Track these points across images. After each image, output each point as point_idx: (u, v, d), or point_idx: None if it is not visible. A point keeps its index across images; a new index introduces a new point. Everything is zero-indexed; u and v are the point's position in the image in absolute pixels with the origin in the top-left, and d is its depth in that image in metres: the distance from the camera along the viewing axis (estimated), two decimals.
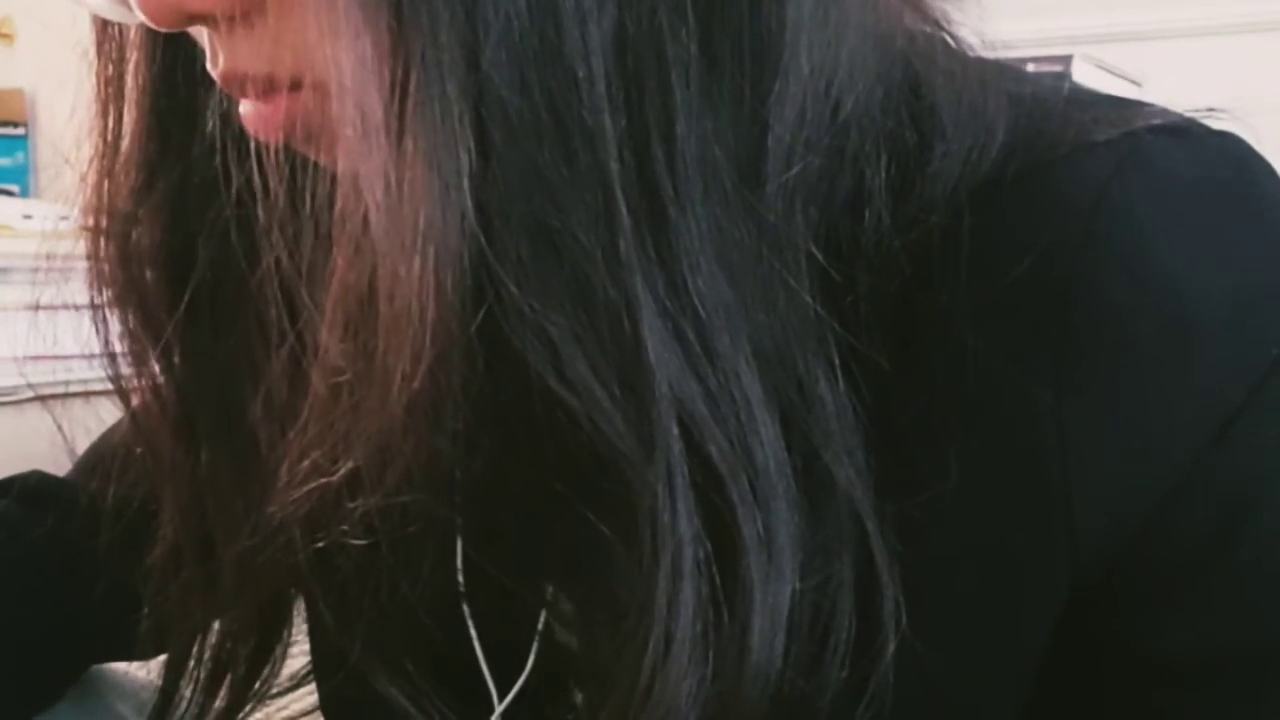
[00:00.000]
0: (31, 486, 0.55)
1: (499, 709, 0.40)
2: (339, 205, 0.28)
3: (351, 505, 0.30)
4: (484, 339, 0.29)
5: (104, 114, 0.40)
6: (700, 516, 0.31)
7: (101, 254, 0.41)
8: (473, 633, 0.39)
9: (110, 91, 0.40)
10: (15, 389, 1.11)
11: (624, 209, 0.29)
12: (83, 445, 0.79)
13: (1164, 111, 0.34)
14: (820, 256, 0.32)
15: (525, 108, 0.28)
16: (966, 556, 0.33)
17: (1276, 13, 1.27)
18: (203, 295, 0.40)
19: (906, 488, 0.32)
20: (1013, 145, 0.33)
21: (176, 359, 0.41)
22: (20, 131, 2.02)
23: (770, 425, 0.31)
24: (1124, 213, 0.32)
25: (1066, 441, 0.32)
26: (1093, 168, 0.32)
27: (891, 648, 0.32)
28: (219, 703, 0.45)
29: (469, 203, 0.28)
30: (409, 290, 0.28)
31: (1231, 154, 0.34)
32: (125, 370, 0.42)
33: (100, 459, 0.55)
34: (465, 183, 0.28)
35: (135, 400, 0.42)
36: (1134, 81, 1.23)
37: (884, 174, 0.33)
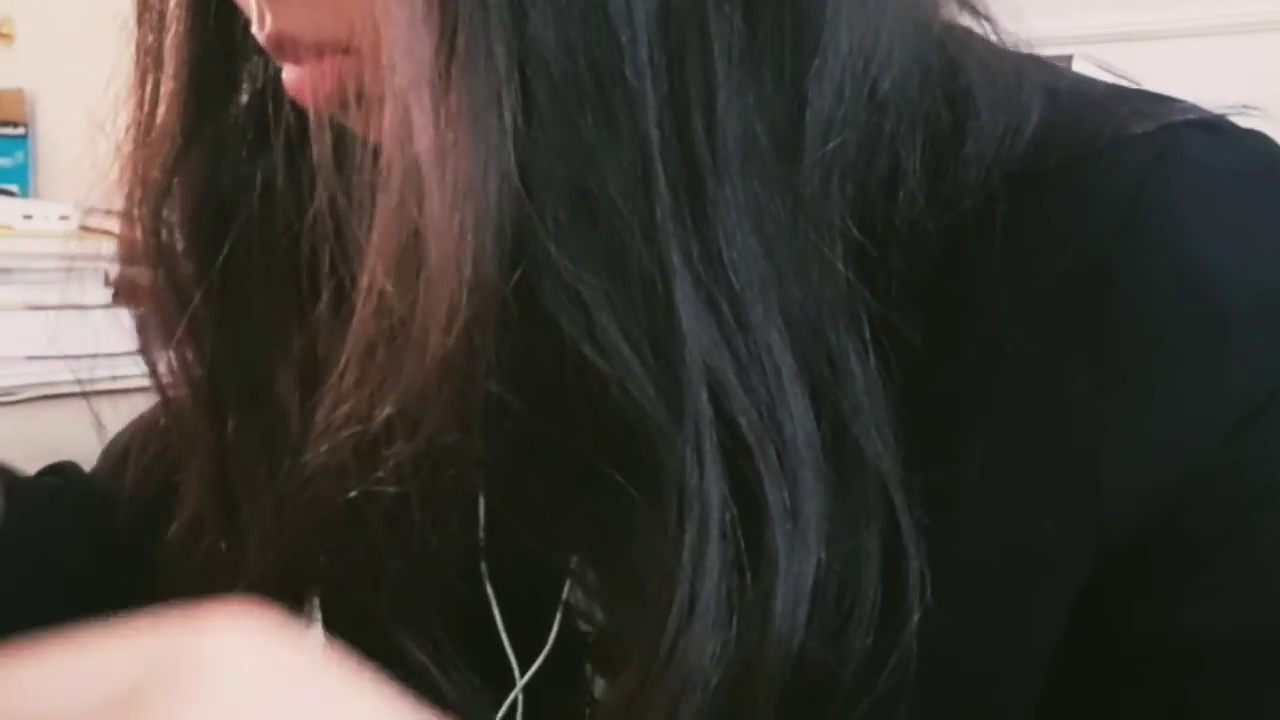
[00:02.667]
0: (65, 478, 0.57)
1: (520, 684, 0.40)
2: (384, 159, 0.29)
3: (385, 453, 0.30)
4: (519, 300, 0.30)
5: (141, 83, 0.41)
6: (727, 483, 0.31)
7: (133, 224, 0.41)
8: (492, 600, 0.39)
9: (149, 61, 0.40)
10: (15, 389, 1.11)
11: (662, 177, 0.30)
12: (82, 444, 0.79)
13: (1196, 107, 0.35)
14: (856, 232, 0.33)
15: (569, 70, 0.29)
16: (991, 534, 0.33)
17: (1276, 13, 1.27)
18: (232, 266, 0.40)
19: (933, 464, 0.32)
20: (1050, 135, 0.34)
21: (204, 329, 0.41)
22: (20, 131, 2.02)
23: (800, 397, 0.32)
24: (1163, 204, 0.33)
25: (1100, 427, 0.32)
26: (1132, 159, 0.33)
27: (915, 619, 0.32)
28: None
29: (510, 163, 0.28)
30: (448, 246, 0.28)
31: (1262, 150, 0.35)
32: (153, 339, 0.42)
33: (118, 454, 0.56)
34: (508, 143, 0.28)
35: (162, 369, 0.42)
36: (1134, 82, 1.22)
37: (919, 155, 0.34)
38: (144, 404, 1.24)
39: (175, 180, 0.41)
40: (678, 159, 0.30)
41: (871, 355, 0.33)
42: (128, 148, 0.42)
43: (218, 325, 0.41)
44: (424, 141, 0.29)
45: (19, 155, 2.01)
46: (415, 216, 0.29)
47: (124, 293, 0.42)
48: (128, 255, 0.42)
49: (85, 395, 1.17)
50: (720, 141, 0.30)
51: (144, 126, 0.41)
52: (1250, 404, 0.32)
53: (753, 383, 0.31)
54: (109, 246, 1.34)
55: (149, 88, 0.41)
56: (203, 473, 0.44)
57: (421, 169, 0.29)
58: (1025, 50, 0.38)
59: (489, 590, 0.40)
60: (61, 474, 0.57)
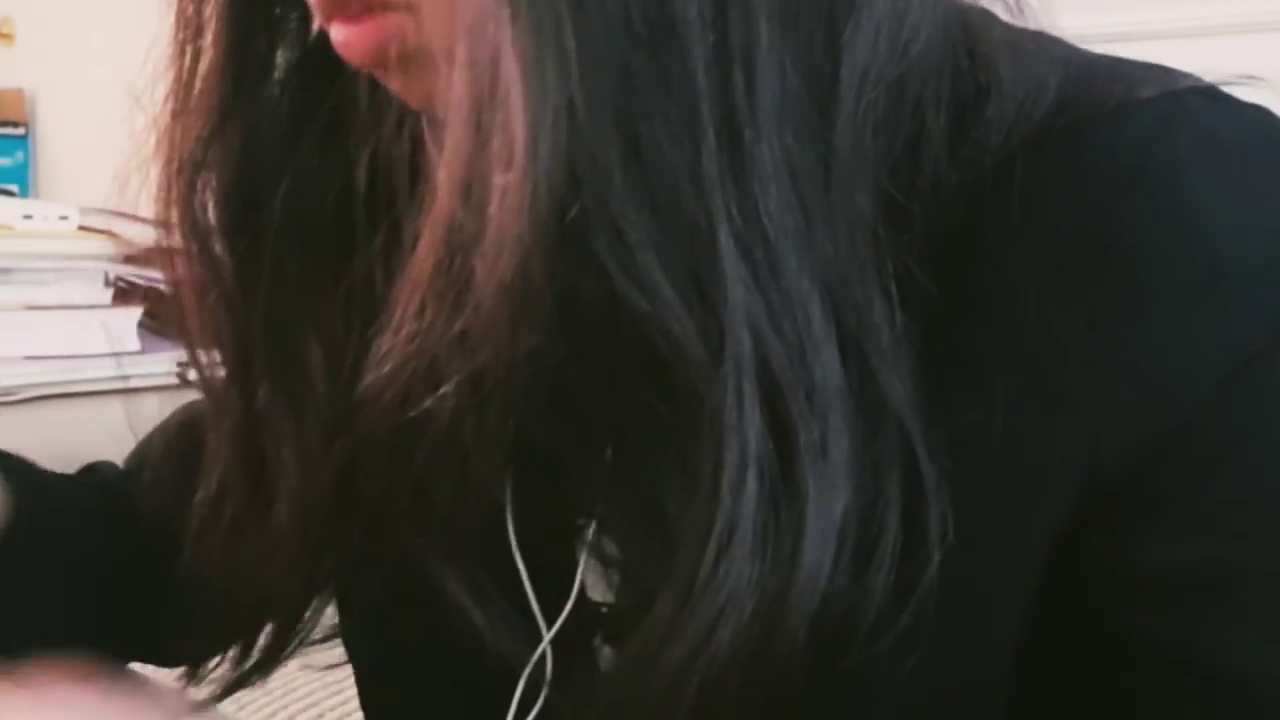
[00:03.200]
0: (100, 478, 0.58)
1: (547, 638, 0.41)
2: (454, 93, 0.31)
3: (440, 378, 0.32)
4: (569, 238, 0.31)
5: (180, 54, 0.41)
6: (764, 420, 0.32)
7: (169, 195, 0.42)
8: (515, 548, 0.41)
9: (189, 32, 0.41)
10: (14, 389, 1.11)
11: (710, 125, 0.31)
12: (82, 444, 0.79)
13: (1200, 78, 0.36)
14: (886, 187, 0.34)
15: (623, 16, 0.30)
16: (997, 472, 0.34)
17: (1277, 13, 1.27)
18: (264, 236, 0.42)
19: (950, 410, 0.34)
20: (1063, 99, 0.35)
21: (234, 298, 0.42)
22: (20, 131, 2.02)
23: (829, 345, 0.33)
24: (1167, 164, 0.34)
25: (1096, 371, 0.34)
26: (1139, 121, 0.35)
27: (936, 560, 0.33)
28: (257, 653, 0.46)
29: (564, 103, 0.30)
30: (511, 180, 0.30)
31: (1264, 121, 0.36)
32: (187, 306, 0.43)
33: (144, 457, 0.57)
34: (563, 84, 0.30)
35: (195, 331, 0.43)
36: None
37: (944, 117, 0.35)
38: (140, 405, 1.24)
39: (211, 151, 0.42)
40: (720, 110, 0.32)
41: (897, 307, 0.34)
42: (165, 119, 0.42)
43: (247, 294, 0.42)
44: (482, 79, 0.31)
45: (19, 155, 2.02)
46: (481, 152, 0.31)
47: (151, 258, 0.43)
48: (164, 225, 0.42)
49: (85, 395, 1.17)
50: (760, 96, 0.32)
51: (182, 98, 0.42)
52: (1240, 357, 0.34)
53: (784, 328, 0.32)
54: (109, 246, 1.34)
55: (188, 58, 0.41)
56: (231, 438, 0.44)
57: (479, 106, 0.31)
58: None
59: (512, 540, 0.41)
60: (96, 472, 0.59)
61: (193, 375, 0.45)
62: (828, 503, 0.33)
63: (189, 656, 0.56)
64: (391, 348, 0.33)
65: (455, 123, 0.31)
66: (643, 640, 0.34)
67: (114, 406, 1.27)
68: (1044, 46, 0.38)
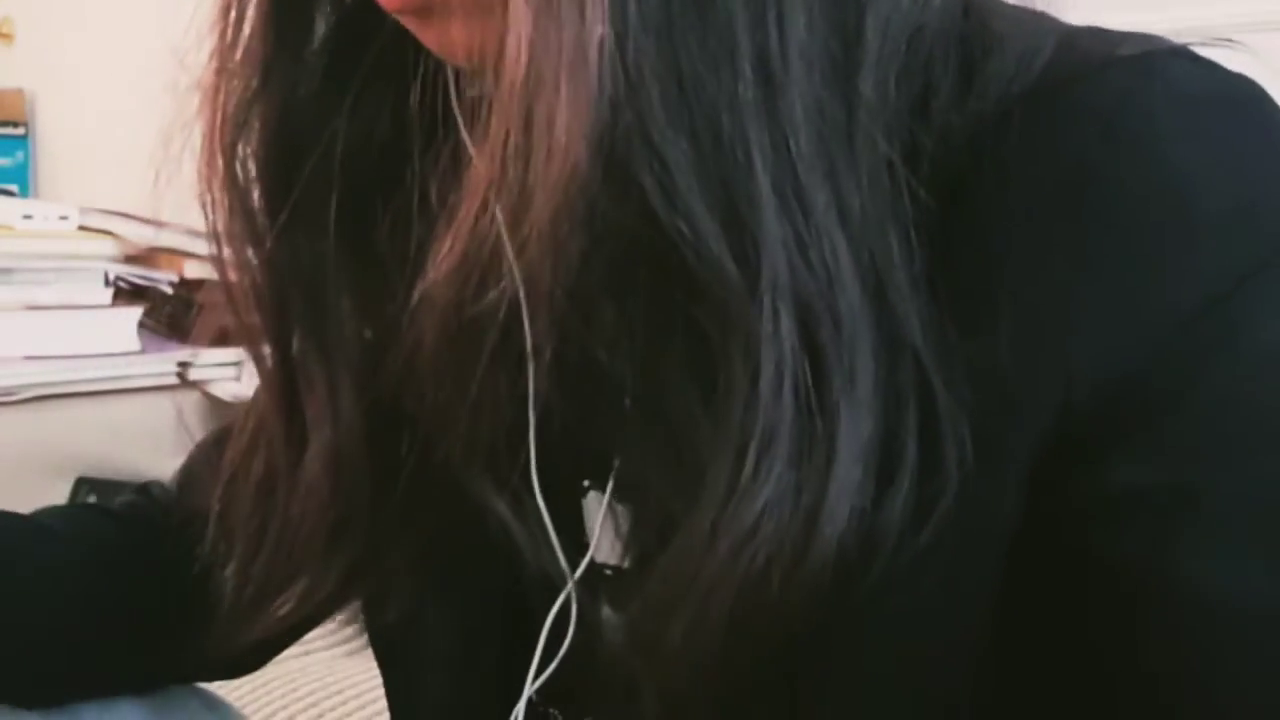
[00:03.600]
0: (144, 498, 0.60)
1: (571, 581, 0.43)
2: (511, 18, 0.33)
3: (490, 287, 0.35)
4: (614, 164, 0.33)
5: (224, 14, 0.43)
6: (798, 338, 0.34)
7: (211, 154, 0.44)
8: (538, 492, 0.42)
9: None
10: (15, 389, 1.11)
11: (747, 58, 0.34)
12: (81, 444, 0.79)
13: (1179, 43, 0.39)
14: (906, 133, 0.37)
15: None
16: (985, 402, 0.36)
17: (1277, 13, 1.27)
18: (302, 193, 0.44)
19: (957, 343, 0.36)
20: (1056, 59, 0.38)
21: (272, 250, 0.44)
22: (20, 131, 2.02)
23: (853, 279, 0.35)
24: (1143, 113, 0.36)
25: (1072, 304, 0.36)
26: (1118, 76, 0.37)
27: (953, 485, 0.35)
28: (279, 610, 0.47)
29: (610, 30, 0.33)
30: (560, 103, 0.32)
31: (1246, 84, 0.38)
32: (226, 258, 0.45)
33: (192, 474, 0.58)
34: (612, 11, 0.33)
35: (233, 285, 0.45)
36: None
37: (952, 72, 0.38)
38: (140, 405, 1.24)
39: (253, 110, 0.44)
40: (755, 50, 0.34)
41: (915, 248, 0.36)
42: (208, 79, 0.43)
43: (282, 247, 0.44)
44: (530, 16, 0.33)
45: (19, 155, 2.02)
46: (535, 74, 0.33)
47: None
48: (206, 182, 0.44)
49: (85, 395, 1.17)
50: (789, 41, 0.34)
51: (225, 57, 0.43)
52: (1208, 297, 0.35)
53: (813, 260, 0.34)
54: (108, 246, 1.33)
55: (231, 18, 0.43)
56: (268, 387, 0.47)
57: (528, 41, 0.33)
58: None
59: (535, 484, 0.42)
60: (146, 493, 0.60)
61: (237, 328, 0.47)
62: (857, 423, 0.35)
63: (202, 665, 0.58)
64: (450, 250, 0.35)
65: (511, 47, 0.33)
66: (688, 539, 0.35)
67: (114, 406, 1.27)
68: (1042, 18, 0.41)
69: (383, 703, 0.60)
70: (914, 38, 0.37)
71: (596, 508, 0.44)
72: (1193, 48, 0.39)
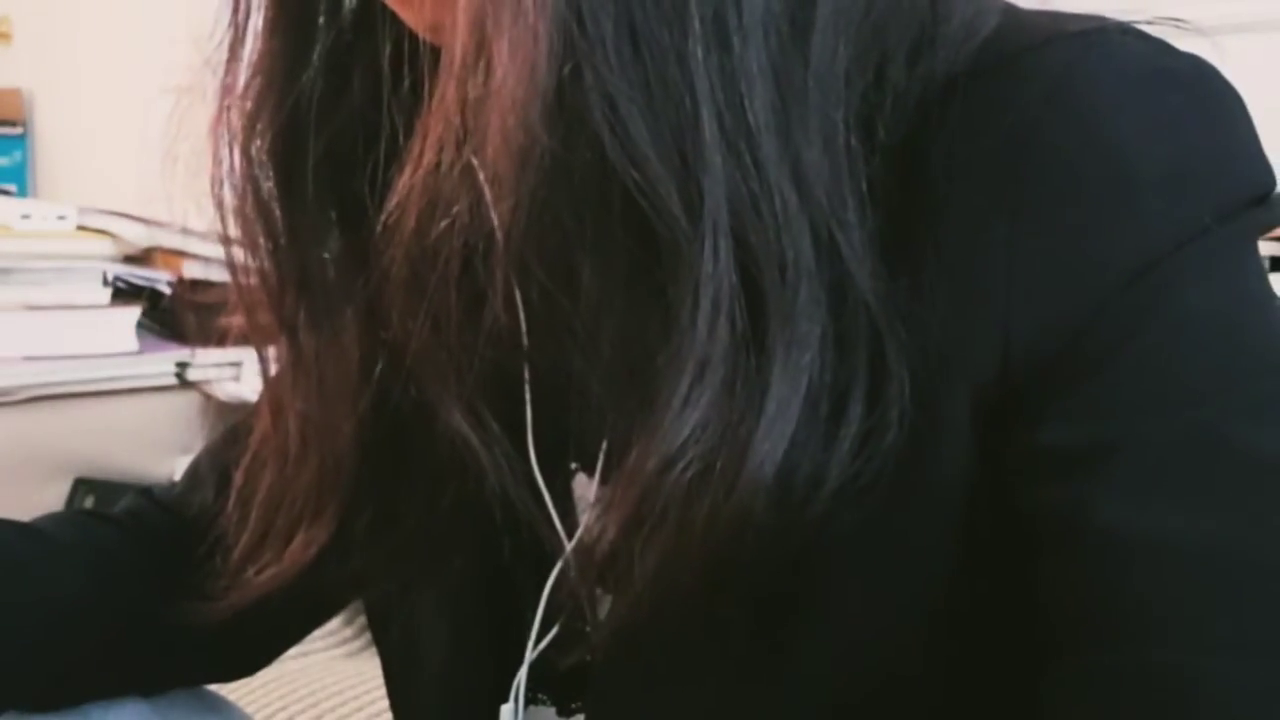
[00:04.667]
0: (147, 500, 0.61)
1: (568, 548, 0.44)
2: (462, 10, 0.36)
3: (450, 216, 0.37)
4: (568, 108, 0.36)
5: (235, 9, 0.45)
6: (739, 278, 0.37)
7: (225, 142, 0.46)
8: (535, 465, 0.44)
9: None
10: (13, 389, 1.11)
11: (696, 16, 0.36)
12: (80, 444, 0.79)
13: (1129, 22, 0.40)
14: (855, 99, 0.39)
15: None
16: (930, 355, 0.38)
17: (1277, 13, 1.27)
18: (309, 185, 0.46)
19: (900, 295, 0.38)
20: (1002, 34, 0.40)
21: (282, 240, 0.47)
22: (18, 131, 2.02)
23: (803, 232, 0.37)
24: (1087, 82, 0.38)
25: (1013, 262, 0.37)
26: (1064, 48, 0.39)
27: (897, 427, 0.38)
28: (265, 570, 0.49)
29: None
30: (512, 47, 0.35)
31: (1192, 61, 0.39)
32: (235, 250, 0.48)
33: (198, 476, 0.60)
34: None
35: (241, 274, 0.48)
36: None
37: (905, 40, 0.40)
38: (138, 405, 1.24)
39: (264, 98, 0.46)
40: (709, 9, 0.36)
41: (868, 207, 0.38)
42: (220, 72, 0.46)
43: (292, 236, 0.47)
44: None
45: (17, 155, 2.01)
46: (490, 18, 0.35)
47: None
48: (218, 173, 0.47)
49: (83, 395, 1.17)
50: (744, 5, 0.37)
51: (235, 48, 0.46)
52: (1144, 261, 0.37)
53: (763, 210, 0.37)
54: (107, 246, 1.33)
55: (241, 13, 0.46)
56: (276, 374, 0.50)
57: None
58: None
59: (533, 456, 0.45)
60: (148, 496, 0.61)
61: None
62: (794, 362, 0.37)
63: (205, 666, 0.59)
64: (411, 182, 0.37)
65: (464, 5, 0.36)
66: (630, 461, 0.38)
67: (112, 406, 1.27)
68: None
69: (382, 704, 0.60)
70: (865, 7, 0.39)
71: (583, 489, 0.46)
72: (1141, 27, 0.40)
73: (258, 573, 0.48)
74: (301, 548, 0.47)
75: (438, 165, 0.37)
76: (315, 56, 0.46)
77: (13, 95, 2.03)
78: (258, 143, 0.46)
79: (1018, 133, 0.38)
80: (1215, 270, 0.38)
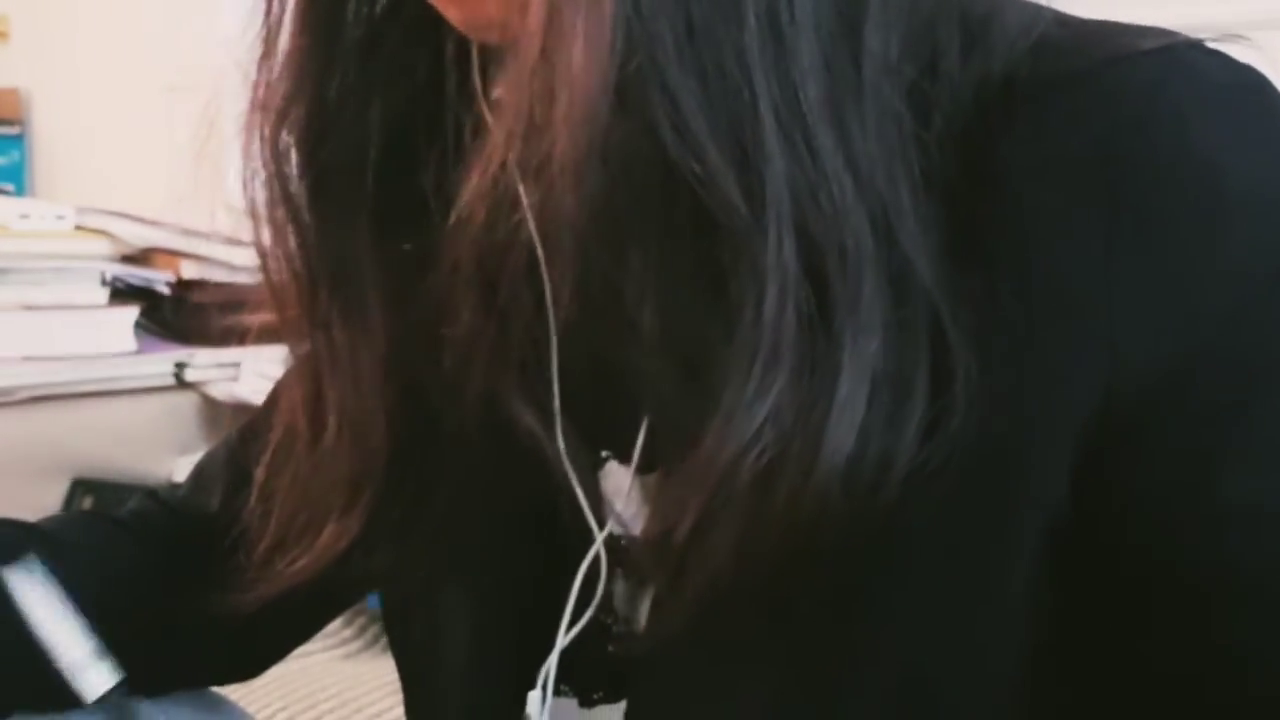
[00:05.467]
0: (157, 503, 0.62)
1: (601, 536, 0.45)
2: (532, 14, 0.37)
3: (518, 210, 0.38)
4: (630, 105, 0.37)
5: (268, 5, 0.46)
6: (802, 267, 0.37)
7: (254, 137, 0.47)
8: (565, 458, 0.45)
9: None
10: (12, 389, 1.10)
11: (751, 17, 0.37)
12: (79, 444, 0.79)
13: (1191, 37, 0.41)
14: (910, 85, 0.39)
15: None
16: (1009, 362, 0.38)
17: (1277, 13, 1.27)
18: (339, 185, 0.48)
19: (967, 293, 0.38)
20: (1066, 41, 0.40)
21: (310, 234, 0.48)
22: (16, 130, 2.02)
23: (860, 219, 0.38)
24: (1174, 105, 0.38)
25: (1113, 288, 0.37)
26: (1145, 68, 0.39)
27: (961, 412, 0.38)
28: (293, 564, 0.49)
29: None
30: (578, 59, 0.36)
31: (1255, 74, 0.40)
32: (264, 240, 0.49)
33: (204, 477, 0.61)
34: None
35: (269, 261, 0.49)
36: None
37: (956, 33, 0.40)
38: (136, 406, 1.24)
39: (294, 99, 0.47)
40: (764, 8, 0.37)
41: (922, 194, 0.39)
42: (251, 69, 0.47)
43: (319, 228, 0.48)
44: None
45: (15, 154, 2.01)
46: (556, 20, 0.37)
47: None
48: (248, 167, 0.48)
49: (82, 395, 1.16)
50: (797, 7, 0.38)
51: (267, 46, 0.47)
52: (1250, 285, 0.37)
53: (820, 199, 0.37)
54: (105, 246, 1.33)
55: (274, 7, 0.47)
56: (303, 364, 0.50)
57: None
58: None
59: (562, 447, 0.45)
60: (154, 498, 0.62)
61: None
62: (862, 346, 0.37)
63: (210, 668, 0.59)
64: (482, 179, 0.38)
65: (534, 8, 0.37)
66: (697, 452, 0.38)
67: (110, 407, 1.27)
68: None
69: (381, 704, 0.60)
70: (915, 1, 0.40)
71: (616, 479, 0.46)
72: (1206, 42, 0.40)
73: (288, 565, 0.49)
74: (333, 539, 0.48)
75: (505, 162, 0.38)
76: (345, 57, 0.47)
77: (10, 95, 2.03)
78: (285, 141, 0.47)
79: (1106, 154, 0.38)
80: None
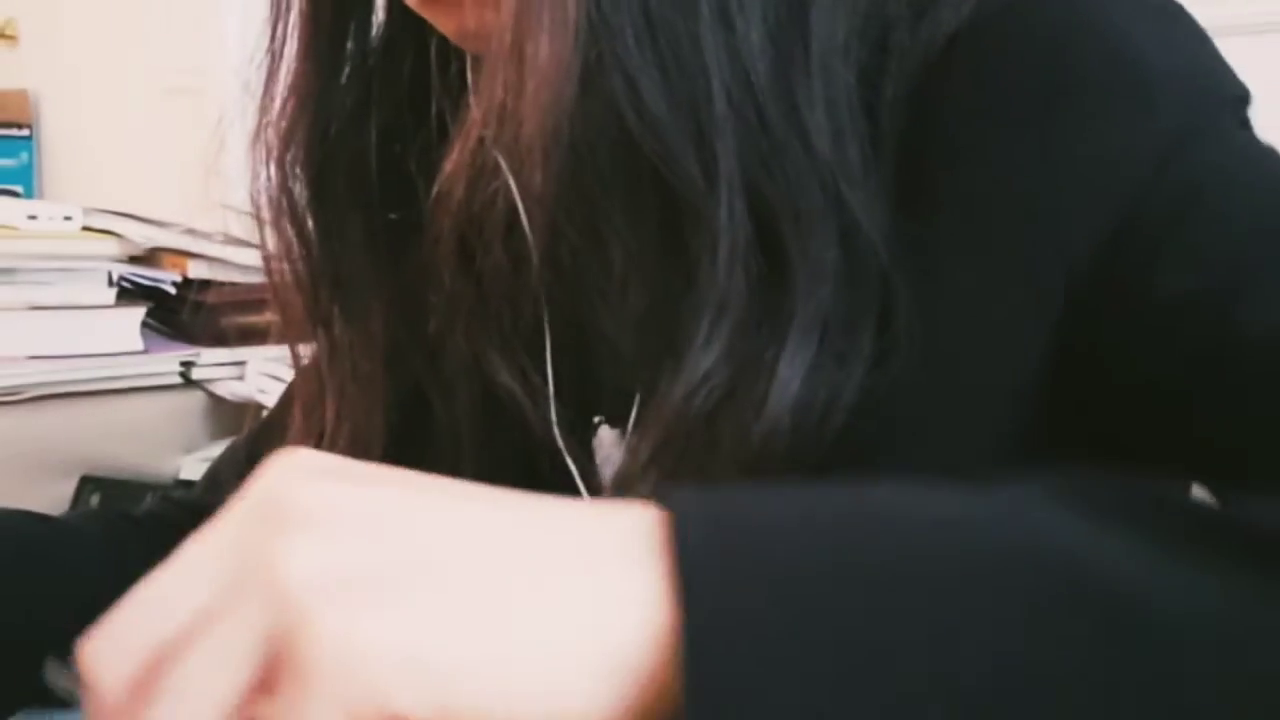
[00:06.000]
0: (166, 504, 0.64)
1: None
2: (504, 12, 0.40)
3: (491, 186, 0.42)
4: (594, 90, 0.40)
5: (272, 31, 0.50)
6: (754, 229, 0.41)
7: (260, 159, 0.51)
8: (555, 423, 0.49)
9: (280, 8, 0.51)
10: (19, 389, 1.11)
11: (704, 7, 0.41)
12: (84, 444, 0.80)
13: None
14: (859, 58, 0.43)
15: None
16: (965, 276, 0.43)
17: (1277, 13, 1.27)
18: (341, 193, 0.52)
19: (913, 227, 0.43)
20: None
21: (312, 238, 0.52)
22: (24, 132, 2.03)
23: (813, 184, 0.42)
24: (1098, 9, 0.43)
25: (1052, 180, 0.42)
26: None
27: (904, 351, 0.42)
28: None
29: None
30: (544, 50, 0.40)
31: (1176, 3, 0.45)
32: (270, 248, 0.53)
33: (218, 477, 0.64)
34: None
35: (274, 266, 0.53)
36: None
37: (906, 9, 0.44)
38: (143, 404, 1.24)
39: (298, 117, 0.51)
40: (715, 4, 0.41)
41: (872, 162, 0.43)
42: (258, 87, 0.51)
43: (321, 234, 0.52)
44: None
45: (23, 156, 2.02)
46: (526, 16, 0.40)
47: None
48: (254, 181, 0.52)
49: (88, 395, 1.17)
50: None
51: (271, 69, 0.51)
52: (1171, 144, 0.41)
53: (773, 168, 0.41)
54: (112, 247, 1.34)
55: (278, 40, 0.50)
56: (309, 364, 0.55)
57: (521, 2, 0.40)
58: None
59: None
60: (169, 500, 0.65)
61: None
62: (811, 298, 0.41)
63: None
64: (459, 156, 0.42)
65: (505, 6, 0.40)
66: (656, 396, 0.42)
67: (117, 405, 1.27)
68: None
69: None
70: None
71: (607, 447, 0.49)
72: None
73: None
74: None
75: (482, 141, 0.41)
76: (344, 78, 0.51)
77: (19, 97, 2.04)
78: (291, 157, 0.50)
79: (1037, 62, 0.42)
80: (1233, 141, 0.42)
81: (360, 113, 0.51)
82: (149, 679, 0.29)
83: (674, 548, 0.27)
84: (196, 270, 1.20)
